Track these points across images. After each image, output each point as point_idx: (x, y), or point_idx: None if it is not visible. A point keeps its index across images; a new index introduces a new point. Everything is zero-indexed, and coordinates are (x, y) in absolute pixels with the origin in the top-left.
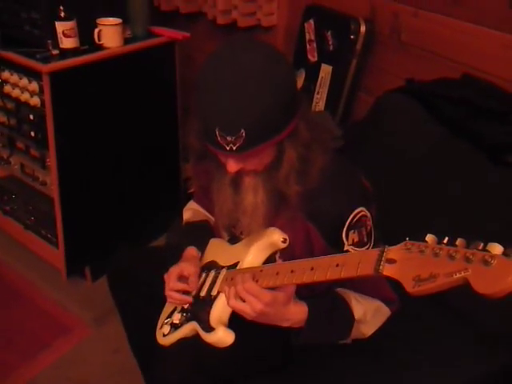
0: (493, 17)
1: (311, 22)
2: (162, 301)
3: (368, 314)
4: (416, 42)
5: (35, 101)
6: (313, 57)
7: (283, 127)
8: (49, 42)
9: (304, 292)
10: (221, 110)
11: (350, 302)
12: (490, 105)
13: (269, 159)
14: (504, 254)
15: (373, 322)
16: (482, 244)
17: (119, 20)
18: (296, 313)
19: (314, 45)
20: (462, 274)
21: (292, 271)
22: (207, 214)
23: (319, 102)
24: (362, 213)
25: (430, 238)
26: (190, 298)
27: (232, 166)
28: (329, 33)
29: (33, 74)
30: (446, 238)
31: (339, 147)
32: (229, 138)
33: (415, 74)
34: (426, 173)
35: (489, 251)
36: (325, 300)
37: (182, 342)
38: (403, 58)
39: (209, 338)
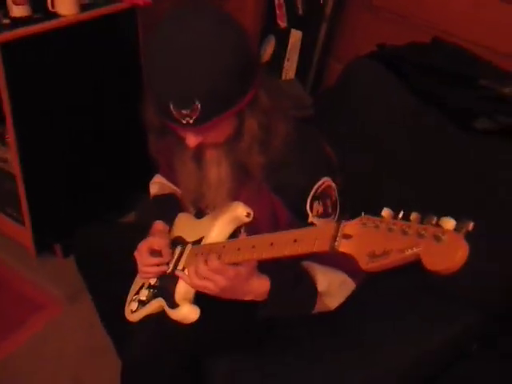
0: None
1: None
2: (132, 277)
3: (332, 287)
4: (387, 6)
5: None
6: (282, 22)
7: (241, 96)
8: None
9: (269, 265)
10: (172, 83)
11: (315, 274)
12: (459, 70)
13: (229, 130)
14: (455, 229)
15: (338, 295)
16: (435, 218)
17: None
18: (258, 286)
19: (284, 10)
20: (414, 249)
21: (253, 246)
22: (173, 186)
23: (289, 69)
24: (327, 183)
25: (385, 212)
26: (166, 268)
27: (191, 140)
28: None
29: None
30: (402, 213)
31: (310, 115)
32: (184, 112)
33: (387, 39)
34: (395, 140)
35: (441, 226)
36: (288, 273)
37: (150, 318)
38: (374, 23)
39: (174, 314)
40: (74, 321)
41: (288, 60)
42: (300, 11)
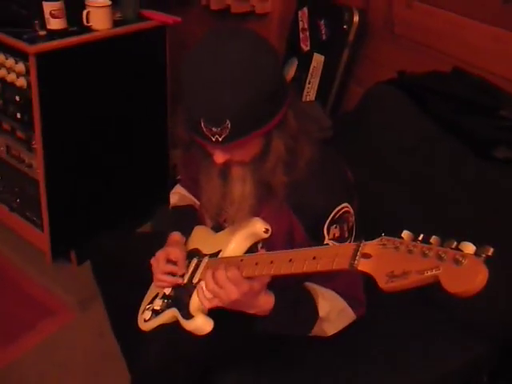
0: (485, 10)
1: (305, 10)
2: (146, 287)
3: (332, 314)
4: (409, 34)
5: (21, 82)
6: (305, 46)
7: (270, 117)
8: (36, 22)
9: (276, 282)
10: (205, 101)
11: (317, 298)
12: (479, 100)
13: (256, 150)
14: (475, 253)
15: (336, 322)
16: (455, 242)
17: (108, 2)
18: (264, 303)
19: (307, 33)
20: (434, 271)
21: (271, 262)
22: (193, 198)
23: (310, 91)
24: (346, 209)
25: (405, 234)
26: (180, 280)
27: (219, 157)
28: (322, 22)
29: (19, 55)
30: (421, 235)
31: (328, 137)
32: (214, 129)
33: (407, 66)
34: (413, 167)
35: (461, 250)
36: (292, 293)
37: (163, 328)
38: (396, 50)
39: (188, 325)
40: (85, 328)
41: (309, 83)
42: (323, 36)
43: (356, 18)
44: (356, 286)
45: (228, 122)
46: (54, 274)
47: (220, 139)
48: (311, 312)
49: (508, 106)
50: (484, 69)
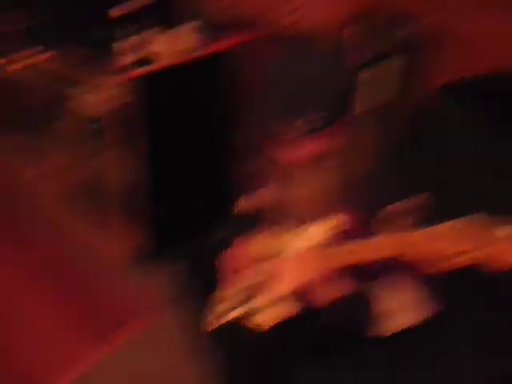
0: None
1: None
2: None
3: (397, 309)
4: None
5: (122, 101)
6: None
7: (339, 120)
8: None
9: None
10: (294, 100)
11: (382, 296)
12: None
13: (337, 144)
14: None
15: (401, 318)
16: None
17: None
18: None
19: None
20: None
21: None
22: (265, 203)
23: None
24: (413, 202)
25: None
26: (255, 276)
27: (305, 149)
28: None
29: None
30: None
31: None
32: (302, 123)
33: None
34: (475, 165)
35: None
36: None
37: (235, 326)
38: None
39: (257, 319)
40: (168, 329)
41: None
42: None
43: (408, 31)
44: (425, 282)
45: (312, 116)
46: (143, 275)
47: (309, 130)
48: (371, 306)
49: None
50: None
